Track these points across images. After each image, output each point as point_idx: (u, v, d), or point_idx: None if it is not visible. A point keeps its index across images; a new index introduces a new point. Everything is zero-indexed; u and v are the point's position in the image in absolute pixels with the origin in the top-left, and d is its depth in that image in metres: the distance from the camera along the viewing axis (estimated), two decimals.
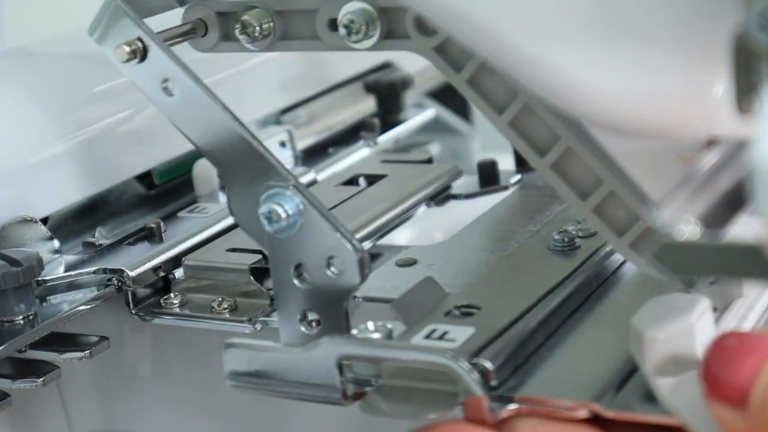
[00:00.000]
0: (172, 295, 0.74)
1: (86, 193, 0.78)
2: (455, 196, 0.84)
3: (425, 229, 0.93)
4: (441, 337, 0.61)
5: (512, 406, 0.57)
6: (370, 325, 0.62)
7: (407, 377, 0.60)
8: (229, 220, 0.79)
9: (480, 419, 0.57)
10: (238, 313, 0.71)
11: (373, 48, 0.67)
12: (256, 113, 0.90)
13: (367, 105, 0.99)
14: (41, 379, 0.69)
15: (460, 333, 0.61)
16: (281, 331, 0.64)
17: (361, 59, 0.99)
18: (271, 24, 0.69)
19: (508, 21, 0.53)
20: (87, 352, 0.70)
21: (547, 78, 0.54)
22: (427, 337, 0.61)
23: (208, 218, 0.80)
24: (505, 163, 0.86)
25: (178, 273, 0.75)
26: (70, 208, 0.78)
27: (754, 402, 0.51)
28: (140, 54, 0.66)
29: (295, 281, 0.62)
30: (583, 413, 0.56)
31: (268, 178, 0.62)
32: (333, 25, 0.67)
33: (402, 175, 0.84)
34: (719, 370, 0.52)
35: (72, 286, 0.73)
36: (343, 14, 0.66)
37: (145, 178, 0.83)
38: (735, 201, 0.51)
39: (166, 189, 0.84)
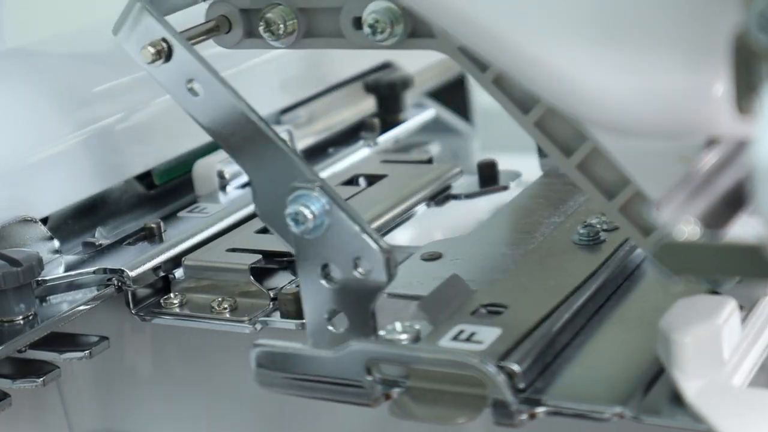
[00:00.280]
0: (172, 295, 0.74)
1: (86, 193, 0.78)
2: (455, 196, 0.84)
3: (425, 229, 0.92)
4: (468, 339, 0.61)
5: (540, 409, 0.57)
6: (398, 325, 0.62)
7: (436, 380, 0.60)
8: (229, 220, 0.80)
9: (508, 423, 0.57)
10: (238, 313, 0.71)
11: (397, 47, 0.67)
12: None
13: (367, 105, 0.99)
14: (41, 379, 0.69)
15: (488, 334, 0.61)
16: (308, 331, 0.64)
17: (361, 59, 0.99)
18: (295, 21, 0.69)
19: (509, 22, 0.53)
20: (87, 352, 0.70)
21: (547, 79, 0.54)
22: (455, 338, 0.61)
23: (208, 218, 0.80)
24: (505, 163, 0.86)
25: (178, 273, 0.75)
26: (70, 208, 0.78)
27: None
28: (165, 54, 0.66)
29: (322, 281, 0.62)
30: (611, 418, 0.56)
31: (294, 179, 0.62)
32: (357, 23, 0.67)
33: (402, 175, 0.84)
34: None
35: (72, 286, 0.73)
36: (368, 13, 0.66)
37: (145, 178, 0.83)
38: (735, 201, 0.51)
39: (166, 189, 0.84)
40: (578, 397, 0.57)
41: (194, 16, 0.71)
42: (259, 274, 0.72)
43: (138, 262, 0.73)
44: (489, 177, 0.85)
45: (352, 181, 0.85)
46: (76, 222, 0.78)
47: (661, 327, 0.57)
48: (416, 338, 0.61)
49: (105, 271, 0.73)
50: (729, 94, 0.49)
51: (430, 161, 0.89)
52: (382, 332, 0.62)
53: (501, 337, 0.60)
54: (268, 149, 0.64)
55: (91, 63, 0.82)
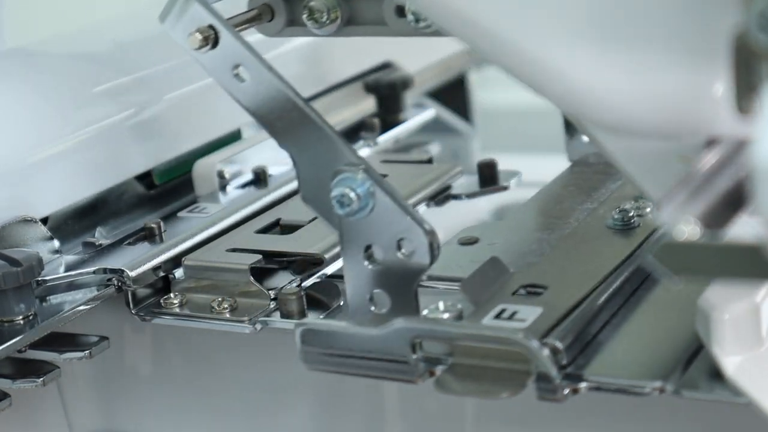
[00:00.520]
0: (172, 295, 0.74)
1: (86, 193, 0.78)
2: (455, 196, 0.85)
3: None
4: (511, 317, 0.62)
5: (582, 385, 0.58)
6: (441, 305, 0.63)
7: (479, 356, 0.61)
8: (229, 220, 0.80)
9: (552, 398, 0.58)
10: (238, 313, 0.71)
11: (439, 34, 0.67)
12: None
13: (367, 105, 0.99)
14: (41, 379, 0.69)
15: (529, 312, 0.62)
16: (351, 312, 0.65)
17: (361, 59, 0.99)
18: (338, 10, 0.70)
19: (510, 22, 0.53)
20: (87, 352, 0.70)
21: (548, 79, 0.54)
22: (497, 317, 0.62)
23: (208, 218, 0.80)
24: (505, 163, 0.86)
25: (178, 273, 0.75)
26: (70, 208, 0.78)
27: None
28: (212, 41, 0.66)
29: (366, 262, 0.63)
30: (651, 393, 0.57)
31: (338, 162, 0.63)
32: (401, 11, 0.68)
33: (402, 175, 0.84)
34: None
35: (72, 286, 0.73)
36: (412, 1, 0.67)
37: (145, 178, 0.83)
38: (735, 201, 0.51)
39: (166, 189, 0.84)
40: (619, 373, 0.58)
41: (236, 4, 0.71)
42: (259, 274, 0.72)
43: (138, 262, 0.73)
44: (489, 177, 0.85)
45: None
46: (76, 222, 0.78)
47: (699, 305, 0.58)
48: (459, 317, 0.63)
49: (105, 271, 0.73)
50: (729, 94, 0.49)
51: (430, 161, 0.89)
52: (425, 311, 0.63)
53: (542, 315, 0.62)
54: (312, 133, 0.65)
55: (91, 63, 0.82)
